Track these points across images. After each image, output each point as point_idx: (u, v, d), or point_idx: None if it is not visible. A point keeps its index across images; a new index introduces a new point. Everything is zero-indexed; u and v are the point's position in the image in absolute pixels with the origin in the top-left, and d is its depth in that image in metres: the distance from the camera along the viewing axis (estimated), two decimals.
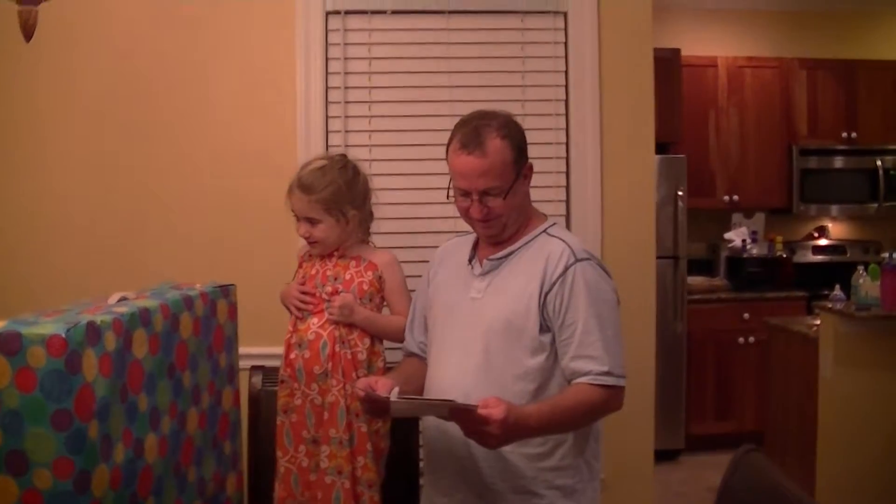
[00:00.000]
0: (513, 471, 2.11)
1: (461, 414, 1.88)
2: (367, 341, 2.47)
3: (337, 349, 2.42)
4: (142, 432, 1.57)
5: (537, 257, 2.16)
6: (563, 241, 2.18)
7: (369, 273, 2.50)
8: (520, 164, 2.15)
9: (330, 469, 2.39)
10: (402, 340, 2.48)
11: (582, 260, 2.13)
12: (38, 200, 3.18)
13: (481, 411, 1.85)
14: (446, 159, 2.18)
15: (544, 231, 2.23)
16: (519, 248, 2.21)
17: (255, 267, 2.97)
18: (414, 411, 2.21)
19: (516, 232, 2.22)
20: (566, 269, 2.11)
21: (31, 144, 3.18)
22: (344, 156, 2.61)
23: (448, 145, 2.17)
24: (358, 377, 2.39)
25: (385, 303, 2.55)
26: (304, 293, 2.50)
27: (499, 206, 2.13)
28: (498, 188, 2.11)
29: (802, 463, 4.10)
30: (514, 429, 1.90)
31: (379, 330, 2.50)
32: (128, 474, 1.51)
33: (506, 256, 2.21)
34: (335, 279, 2.49)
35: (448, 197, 2.20)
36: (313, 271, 2.53)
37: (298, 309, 2.50)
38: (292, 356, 2.46)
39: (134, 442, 1.54)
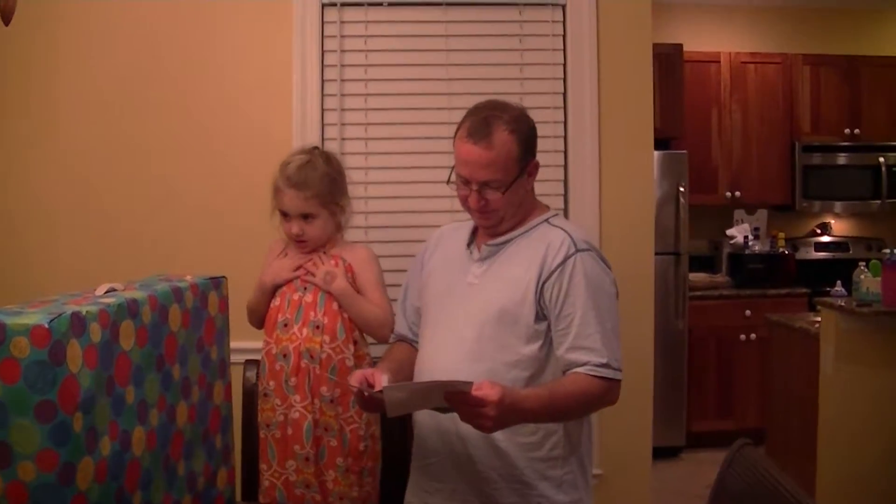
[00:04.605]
0: (505, 459, 2.09)
1: (456, 397, 1.84)
2: (352, 347, 2.42)
3: (303, 364, 2.39)
4: (129, 425, 1.55)
5: (537, 245, 2.14)
6: (564, 230, 2.16)
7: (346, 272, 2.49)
8: (525, 160, 2.13)
9: (298, 483, 2.39)
10: (379, 331, 2.47)
11: (582, 250, 2.12)
12: (36, 191, 3.16)
13: (476, 392, 1.81)
14: (453, 144, 2.15)
15: (546, 220, 2.21)
16: (519, 235, 2.19)
17: (246, 261, 2.94)
18: (408, 405, 2.18)
19: (516, 224, 2.20)
20: (566, 258, 2.10)
21: (29, 131, 3.16)
22: (317, 147, 2.61)
23: (456, 131, 2.15)
24: (329, 392, 2.38)
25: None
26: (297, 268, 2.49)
27: (496, 200, 2.11)
28: (499, 182, 2.09)
29: (804, 460, 4.09)
30: (511, 411, 1.87)
31: (356, 307, 2.44)
32: (114, 467, 1.50)
33: (505, 243, 2.19)
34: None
35: (448, 182, 2.18)
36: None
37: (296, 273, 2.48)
38: (277, 367, 2.42)
39: (121, 434, 1.52)
